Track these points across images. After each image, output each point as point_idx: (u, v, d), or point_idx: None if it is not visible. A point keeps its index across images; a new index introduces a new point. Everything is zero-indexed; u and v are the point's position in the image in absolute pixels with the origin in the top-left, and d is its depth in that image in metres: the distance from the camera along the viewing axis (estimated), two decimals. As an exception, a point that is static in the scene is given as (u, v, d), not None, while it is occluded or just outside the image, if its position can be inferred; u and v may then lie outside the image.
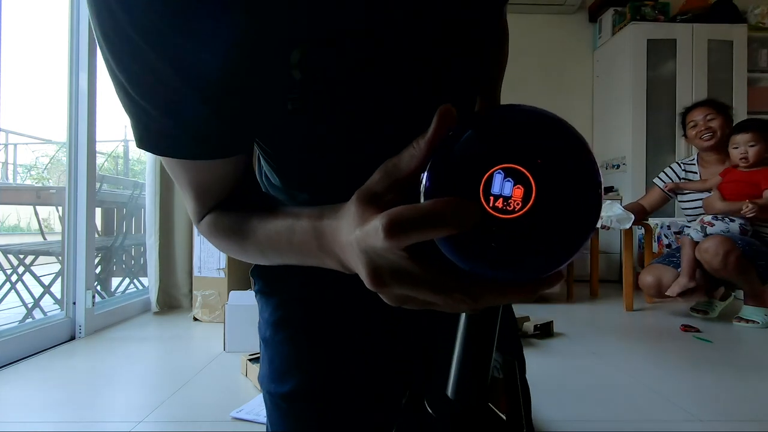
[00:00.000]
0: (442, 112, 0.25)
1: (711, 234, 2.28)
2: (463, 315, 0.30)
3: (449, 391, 0.31)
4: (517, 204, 0.22)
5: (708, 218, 2.33)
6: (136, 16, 0.34)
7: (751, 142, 2.28)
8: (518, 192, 0.22)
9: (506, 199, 0.22)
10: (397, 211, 0.23)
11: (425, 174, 0.25)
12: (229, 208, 0.47)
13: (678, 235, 2.89)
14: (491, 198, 0.23)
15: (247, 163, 0.48)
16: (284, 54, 0.40)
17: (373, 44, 0.42)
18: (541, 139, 0.23)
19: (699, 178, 2.58)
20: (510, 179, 0.22)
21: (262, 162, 0.58)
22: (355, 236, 0.27)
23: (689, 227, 2.43)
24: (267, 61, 0.40)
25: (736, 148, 2.32)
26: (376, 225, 0.24)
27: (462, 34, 0.48)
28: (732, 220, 2.29)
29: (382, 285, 0.26)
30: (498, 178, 0.22)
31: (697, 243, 2.30)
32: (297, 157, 0.52)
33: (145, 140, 0.41)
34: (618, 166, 3.91)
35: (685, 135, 2.67)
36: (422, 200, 0.24)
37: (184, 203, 0.50)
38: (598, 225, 2.66)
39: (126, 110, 0.40)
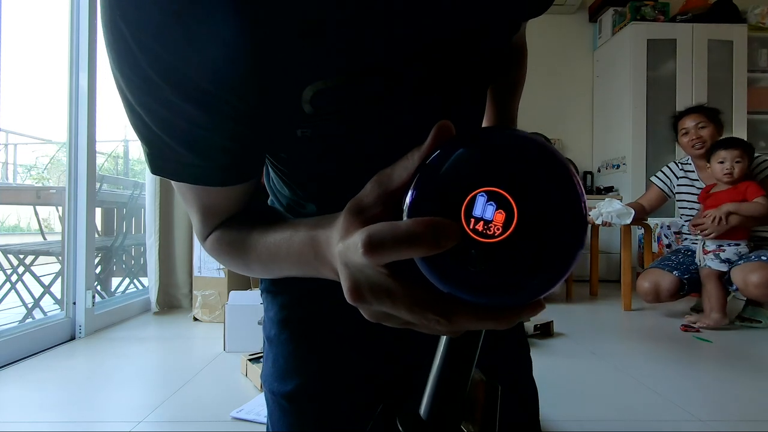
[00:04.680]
0: (439, 126, 0.25)
1: (741, 260, 2.20)
2: (444, 337, 0.29)
3: (422, 411, 0.30)
4: (498, 229, 0.22)
5: (712, 246, 2.28)
6: (155, 56, 0.34)
7: (738, 158, 2.27)
8: (500, 217, 0.22)
9: (487, 222, 0.22)
10: (376, 228, 0.24)
11: (410, 190, 0.24)
12: (232, 224, 0.48)
13: (678, 235, 2.89)
14: (472, 220, 0.22)
15: (256, 183, 0.49)
16: (298, 89, 0.41)
17: (388, 80, 0.43)
18: (528, 166, 0.22)
19: (697, 179, 2.57)
20: (493, 203, 0.22)
21: (270, 170, 0.59)
22: (338, 249, 0.27)
23: (705, 259, 2.32)
24: (281, 95, 0.41)
25: (722, 162, 2.29)
26: (356, 240, 0.24)
27: (475, 65, 0.49)
28: (738, 243, 2.26)
29: (360, 300, 0.26)
30: (480, 201, 0.22)
31: (722, 273, 2.24)
32: (305, 171, 0.53)
33: (161, 168, 0.42)
34: (618, 166, 3.91)
35: (676, 140, 2.67)
36: (405, 217, 0.24)
37: (191, 220, 0.50)
38: (599, 222, 2.66)
39: (141, 138, 0.41)
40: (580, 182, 0.23)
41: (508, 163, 0.23)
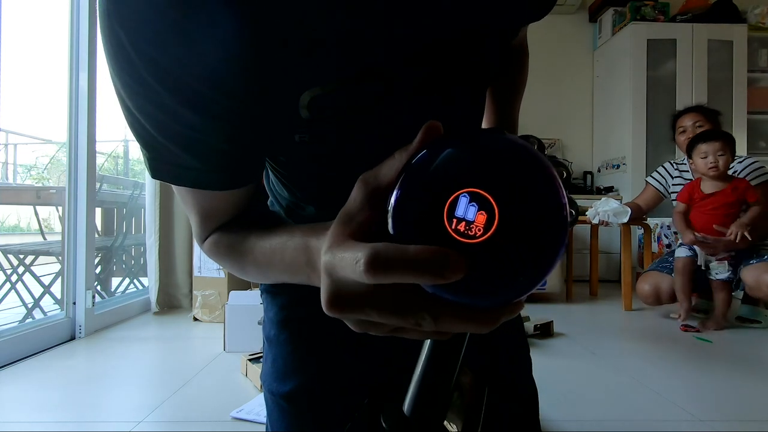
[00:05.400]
0: (427, 127, 0.25)
1: (753, 260, 2.18)
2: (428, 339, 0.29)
3: (406, 408, 0.31)
4: (479, 230, 0.22)
5: (722, 253, 2.23)
6: (153, 62, 0.34)
7: (720, 151, 2.19)
8: (481, 218, 0.22)
9: (469, 223, 0.22)
10: (381, 247, 0.23)
11: (395, 190, 0.25)
12: (231, 228, 0.48)
13: (677, 235, 2.88)
14: (454, 220, 0.22)
15: (255, 187, 0.49)
16: (295, 94, 0.41)
17: (387, 82, 0.43)
18: (510, 168, 0.23)
19: (691, 178, 2.54)
20: (475, 204, 0.22)
21: (270, 172, 0.59)
22: (324, 260, 0.26)
23: (713, 271, 2.27)
24: (279, 100, 0.41)
25: (704, 157, 2.22)
26: (354, 256, 0.23)
27: (475, 66, 0.49)
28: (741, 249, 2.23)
29: (341, 310, 0.26)
30: (463, 202, 0.22)
31: (728, 282, 2.23)
32: (304, 173, 0.53)
33: (161, 171, 0.42)
34: (618, 166, 3.91)
35: (674, 139, 2.65)
36: (389, 217, 0.24)
37: (190, 222, 0.51)
38: (596, 221, 2.66)
39: (140, 142, 0.41)
40: (562, 185, 0.23)
41: (490, 164, 0.23)
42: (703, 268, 2.31)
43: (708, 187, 2.29)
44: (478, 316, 0.24)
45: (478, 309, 0.24)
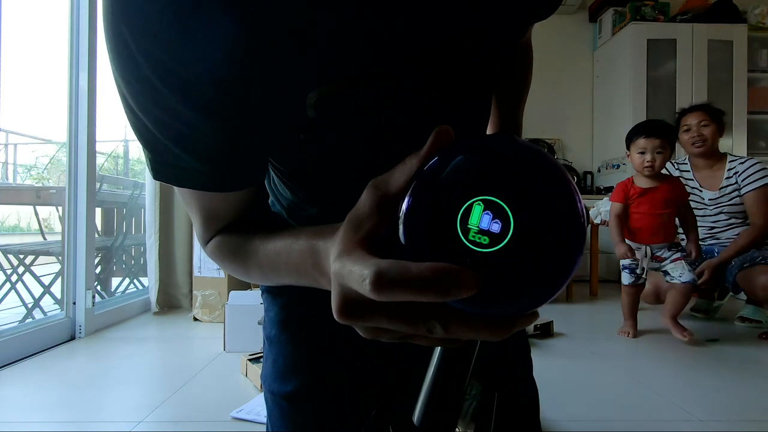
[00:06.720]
0: (438, 131, 0.25)
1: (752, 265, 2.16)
2: (439, 347, 0.29)
3: (415, 418, 0.30)
4: (494, 238, 0.22)
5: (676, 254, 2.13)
6: (157, 62, 0.34)
7: (659, 149, 2.05)
8: (496, 226, 0.22)
9: (483, 232, 0.22)
10: (386, 266, 0.23)
11: (406, 197, 0.24)
12: (234, 230, 0.48)
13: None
14: (468, 229, 0.22)
15: (259, 189, 0.49)
16: (301, 94, 0.41)
17: (390, 83, 0.43)
18: (526, 176, 0.22)
19: (692, 179, 2.52)
20: (489, 212, 0.22)
21: (272, 172, 0.59)
22: (334, 267, 0.26)
23: (674, 275, 2.09)
24: (284, 99, 0.41)
25: (642, 153, 2.07)
26: (362, 273, 0.23)
27: (478, 66, 0.49)
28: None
29: (351, 318, 0.26)
30: (477, 210, 0.22)
31: (692, 284, 2.15)
32: (307, 174, 0.53)
33: (162, 172, 0.42)
34: (618, 166, 3.91)
35: (677, 137, 2.63)
36: (400, 224, 0.24)
37: (193, 224, 0.51)
38: (598, 221, 2.65)
39: (143, 143, 0.41)
40: (579, 194, 0.23)
41: (506, 172, 0.22)
42: (644, 276, 2.16)
43: (643, 182, 2.15)
44: (491, 324, 0.24)
45: (490, 319, 0.24)
